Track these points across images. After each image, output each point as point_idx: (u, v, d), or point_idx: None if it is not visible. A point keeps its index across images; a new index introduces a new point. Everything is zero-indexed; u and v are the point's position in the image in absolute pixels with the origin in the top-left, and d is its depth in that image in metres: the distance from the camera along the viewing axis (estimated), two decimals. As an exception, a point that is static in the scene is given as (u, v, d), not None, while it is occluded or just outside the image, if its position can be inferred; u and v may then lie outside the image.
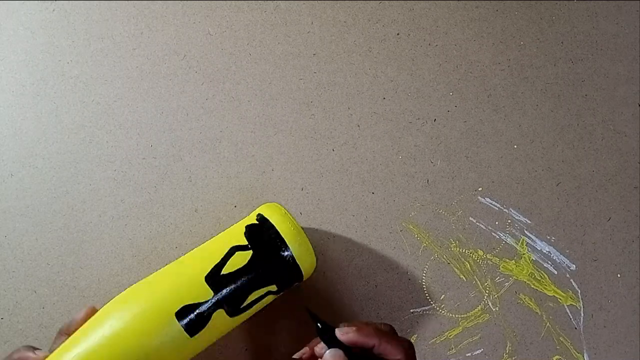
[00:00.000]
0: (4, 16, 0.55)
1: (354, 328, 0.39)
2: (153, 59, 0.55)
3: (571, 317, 0.51)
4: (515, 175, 0.54)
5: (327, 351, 0.39)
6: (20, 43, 0.55)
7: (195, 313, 0.38)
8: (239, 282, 0.40)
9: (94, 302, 0.44)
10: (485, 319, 0.51)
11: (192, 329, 0.38)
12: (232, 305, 0.40)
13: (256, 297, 0.41)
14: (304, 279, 0.43)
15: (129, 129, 0.53)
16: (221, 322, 0.40)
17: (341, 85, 0.55)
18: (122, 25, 0.55)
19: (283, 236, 0.41)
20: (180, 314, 0.38)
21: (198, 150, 0.53)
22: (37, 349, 0.38)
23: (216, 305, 0.39)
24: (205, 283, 0.39)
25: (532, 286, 0.52)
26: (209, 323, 0.39)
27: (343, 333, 0.39)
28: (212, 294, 0.39)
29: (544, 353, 0.51)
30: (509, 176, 0.54)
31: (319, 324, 0.39)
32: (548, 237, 0.53)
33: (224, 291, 0.39)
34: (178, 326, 0.38)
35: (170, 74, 0.54)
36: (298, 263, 0.41)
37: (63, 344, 0.37)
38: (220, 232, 0.44)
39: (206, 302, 0.39)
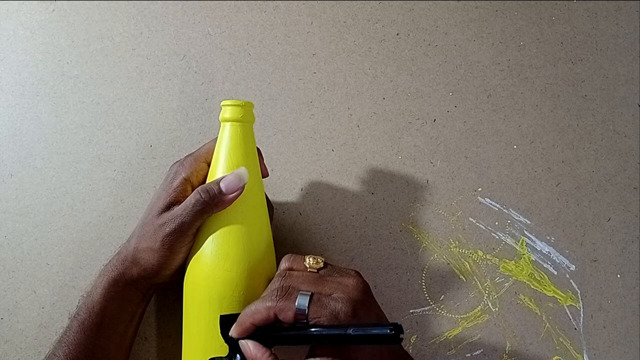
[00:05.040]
0: (4, 16, 0.55)
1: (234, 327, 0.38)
2: (153, 59, 0.55)
3: (571, 317, 0.51)
4: (515, 176, 0.54)
5: (240, 344, 0.38)
6: (20, 43, 0.55)
7: None
8: None
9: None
10: (485, 319, 0.51)
11: None
12: None
13: None
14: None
15: (129, 129, 0.53)
16: None
17: (341, 85, 0.55)
18: (122, 25, 0.55)
19: None
20: None
21: (198, 151, 0.53)
22: None
23: None
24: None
25: (532, 286, 0.52)
26: None
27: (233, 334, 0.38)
28: None
29: (543, 353, 0.51)
30: (509, 176, 0.54)
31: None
32: (548, 238, 0.53)
33: None
34: None
35: (169, 74, 0.54)
36: None
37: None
38: None
39: None
